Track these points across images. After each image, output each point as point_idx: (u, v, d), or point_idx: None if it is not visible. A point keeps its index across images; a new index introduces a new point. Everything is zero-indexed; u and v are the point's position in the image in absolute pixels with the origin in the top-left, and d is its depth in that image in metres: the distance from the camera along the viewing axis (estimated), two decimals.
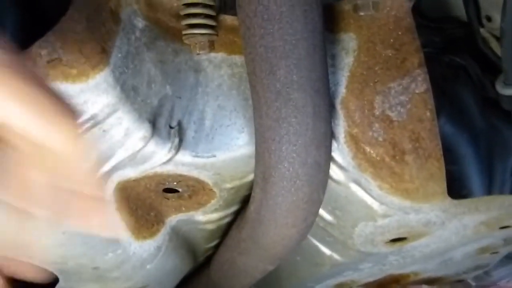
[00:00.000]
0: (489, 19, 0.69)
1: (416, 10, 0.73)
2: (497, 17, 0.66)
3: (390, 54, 0.62)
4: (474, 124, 0.76)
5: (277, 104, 0.51)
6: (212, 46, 0.54)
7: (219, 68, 0.63)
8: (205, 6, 0.53)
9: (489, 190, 0.76)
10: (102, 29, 0.49)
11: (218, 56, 0.63)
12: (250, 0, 0.49)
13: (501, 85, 0.64)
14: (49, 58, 0.44)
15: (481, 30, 0.71)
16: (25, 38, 0.45)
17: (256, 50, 0.51)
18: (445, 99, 0.63)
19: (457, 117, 0.75)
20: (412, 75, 0.61)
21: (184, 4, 0.52)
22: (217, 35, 0.55)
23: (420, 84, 0.60)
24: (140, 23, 0.57)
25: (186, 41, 0.54)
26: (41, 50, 0.43)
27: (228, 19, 0.58)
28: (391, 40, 0.62)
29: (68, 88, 0.47)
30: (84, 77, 0.47)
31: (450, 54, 0.80)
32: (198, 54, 0.53)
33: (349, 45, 0.63)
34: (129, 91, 0.52)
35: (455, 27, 0.81)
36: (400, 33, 0.62)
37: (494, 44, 0.73)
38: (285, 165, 0.55)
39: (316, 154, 0.55)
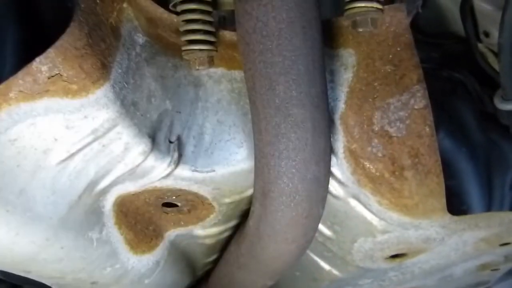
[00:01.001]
0: (487, 34, 0.69)
1: (414, 26, 0.74)
2: (495, 32, 0.67)
3: (389, 70, 0.62)
4: (472, 139, 0.76)
5: (276, 119, 0.52)
6: (211, 62, 0.54)
7: (218, 83, 0.63)
8: (204, 22, 0.53)
9: (488, 204, 0.76)
10: (103, 44, 0.49)
11: (217, 71, 0.63)
12: (249, 16, 0.50)
13: (500, 100, 0.64)
14: (50, 74, 0.44)
15: (479, 45, 0.72)
16: (25, 55, 0.45)
17: (256, 66, 0.51)
18: (443, 114, 0.63)
19: (455, 132, 0.75)
20: (411, 91, 0.61)
21: (184, 21, 0.52)
22: (216, 50, 0.55)
23: (419, 100, 0.61)
24: (140, 38, 0.57)
25: (185, 57, 0.54)
26: (41, 66, 0.43)
27: (228, 35, 0.58)
28: (390, 56, 0.62)
29: (68, 103, 0.47)
30: (85, 93, 0.47)
31: (448, 70, 0.80)
32: (197, 69, 0.54)
33: (348, 61, 0.63)
34: (129, 106, 0.53)
35: (453, 42, 0.82)
36: (399, 49, 0.62)
37: (492, 59, 0.73)
38: (285, 181, 0.55)
39: (315, 169, 0.55)
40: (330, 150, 0.59)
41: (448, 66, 0.81)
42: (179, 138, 0.59)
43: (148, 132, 0.55)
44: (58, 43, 0.44)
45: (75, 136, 0.49)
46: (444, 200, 0.61)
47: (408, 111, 0.61)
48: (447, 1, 0.75)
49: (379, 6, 0.52)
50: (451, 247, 0.72)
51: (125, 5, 0.55)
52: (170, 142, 0.58)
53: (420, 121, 0.61)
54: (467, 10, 0.68)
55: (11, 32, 0.50)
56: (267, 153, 0.54)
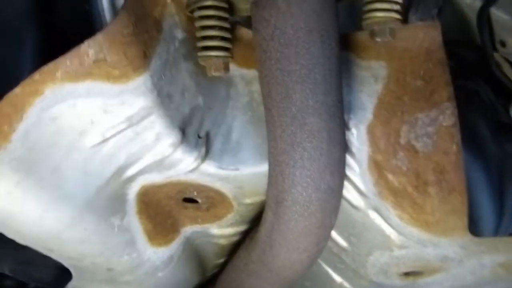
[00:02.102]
0: (503, 44, 0.69)
1: None
2: (511, 42, 0.67)
3: (420, 85, 0.62)
4: (486, 150, 0.76)
5: (292, 128, 0.52)
6: (227, 68, 0.55)
7: (250, 84, 0.64)
8: (220, 28, 0.54)
9: (500, 216, 0.74)
10: (146, 35, 0.51)
11: (250, 72, 0.64)
12: (267, 23, 0.50)
13: None
14: (96, 57, 0.46)
15: (495, 54, 0.71)
16: (43, 56, 0.47)
17: (272, 73, 0.52)
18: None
19: (470, 143, 0.75)
20: (440, 107, 0.61)
21: (200, 26, 0.54)
22: (232, 57, 0.56)
23: (448, 117, 0.61)
24: (180, 34, 0.59)
25: (201, 62, 0.55)
26: (89, 50, 0.45)
27: None
28: (422, 72, 0.63)
29: (109, 88, 0.49)
30: (125, 79, 0.49)
31: (463, 79, 0.80)
32: (213, 75, 0.55)
33: (379, 72, 0.64)
34: (164, 97, 0.54)
35: (468, 50, 0.81)
36: (431, 65, 0.63)
37: (507, 69, 0.73)
38: (299, 190, 0.55)
39: (330, 179, 0.55)
40: (344, 160, 0.59)
41: (463, 75, 0.81)
42: (207, 134, 0.61)
43: (179, 125, 0.57)
44: (107, 29, 0.45)
45: (111, 121, 0.51)
46: (466, 219, 0.61)
47: (436, 127, 0.61)
48: (464, 9, 0.75)
49: (398, 16, 0.53)
50: (468, 270, 0.71)
51: (168, 0, 0.57)
52: (199, 137, 0.60)
53: (448, 138, 0.61)
54: (484, 19, 0.68)
55: (29, 33, 0.52)
56: (282, 161, 0.54)
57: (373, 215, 0.67)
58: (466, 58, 0.79)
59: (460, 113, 0.74)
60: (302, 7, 0.50)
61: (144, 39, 0.51)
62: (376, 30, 0.53)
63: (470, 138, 0.74)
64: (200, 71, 0.61)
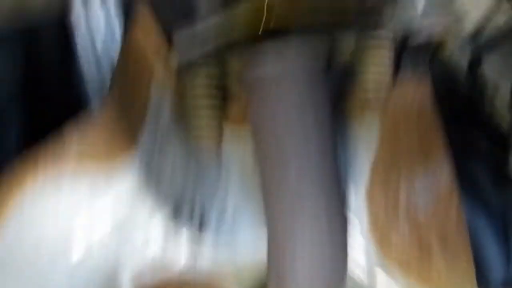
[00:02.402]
0: (494, 96, 0.70)
1: None
2: (502, 93, 0.67)
3: (415, 145, 0.61)
4: (489, 201, 0.74)
5: (289, 203, 0.50)
6: (220, 135, 0.54)
7: (243, 143, 0.62)
8: (213, 96, 0.53)
9: (508, 265, 0.72)
10: (133, 114, 0.49)
11: (242, 130, 0.62)
12: (258, 102, 0.49)
13: None
14: (81, 141, 0.44)
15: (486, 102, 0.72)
16: (30, 138, 0.45)
17: (266, 148, 0.51)
18: (456, 177, 0.62)
19: (471, 195, 0.74)
20: (437, 168, 0.60)
21: (192, 95, 0.52)
22: (225, 123, 0.55)
23: (445, 178, 0.60)
24: (169, 103, 0.57)
25: (193, 133, 0.54)
26: (73, 134, 0.43)
27: None
28: (415, 130, 0.62)
29: (95, 170, 0.46)
30: (112, 160, 0.47)
31: (457, 130, 0.79)
32: (206, 145, 0.53)
33: (373, 133, 0.63)
34: (153, 175, 0.52)
35: (459, 101, 0.82)
36: (424, 123, 0.62)
37: (500, 116, 0.73)
38: (300, 268, 0.52)
39: (333, 253, 0.53)
40: (347, 233, 0.57)
41: (457, 127, 0.81)
42: (202, 209, 0.58)
43: (171, 202, 0.54)
44: (92, 115, 0.44)
45: (98, 206, 0.48)
46: (474, 281, 0.59)
47: (434, 189, 0.60)
48: (452, 65, 0.76)
49: (391, 84, 0.53)
50: None
51: (155, 72, 0.56)
52: (193, 213, 0.57)
53: (447, 200, 0.59)
54: (473, 76, 0.68)
55: (16, 116, 0.50)
56: (280, 239, 0.52)
57: (378, 278, 0.64)
58: (456, 105, 0.79)
59: (457, 164, 0.73)
60: (291, 87, 0.50)
61: (132, 118, 0.49)
62: (370, 98, 0.52)
63: (470, 188, 0.72)
64: (191, 141, 0.59)
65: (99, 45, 0.57)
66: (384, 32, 0.50)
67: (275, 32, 0.46)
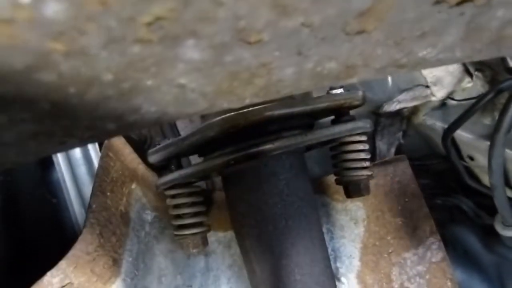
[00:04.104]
0: (471, 158, 0.70)
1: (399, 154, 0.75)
2: (479, 157, 0.68)
3: (401, 222, 0.61)
4: (481, 260, 0.74)
5: None
6: (205, 242, 0.53)
7: (228, 247, 0.62)
8: (194, 204, 0.52)
9: None
10: (113, 238, 0.48)
11: (227, 235, 0.62)
12: (241, 201, 0.49)
13: (501, 227, 0.63)
14: (61, 284, 0.43)
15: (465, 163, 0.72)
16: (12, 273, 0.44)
17: (254, 251, 0.50)
18: (447, 245, 0.62)
19: (463, 260, 0.73)
20: (426, 243, 0.60)
21: (173, 205, 0.52)
22: (209, 229, 0.54)
23: (435, 252, 0.59)
24: (149, 216, 0.57)
25: (178, 241, 0.53)
26: (52, 279, 0.42)
27: None
28: (399, 208, 0.62)
29: None
30: None
31: (441, 196, 0.80)
32: (192, 252, 0.52)
33: (357, 214, 0.63)
34: None
35: (438, 162, 0.82)
36: (407, 199, 0.62)
37: (480, 175, 0.74)
38: None
39: None
40: None
41: (440, 193, 0.81)
42: None
43: None
44: (70, 253, 0.43)
45: None
46: None
47: (426, 265, 0.59)
48: (426, 130, 0.77)
49: (369, 173, 0.53)
50: None
51: (133, 186, 0.55)
52: None
53: (440, 275, 0.59)
54: (449, 142, 0.69)
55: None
56: None
57: None
58: (436, 168, 0.80)
59: (447, 233, 0.73)
60: (273, 182, 0.50)
61: (112, 244, 0.48)
62: (351, 188, 0.52)
63: (462, 255, 0.72)
64: (176, 247, 0.59)
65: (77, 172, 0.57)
66: (359, 123, 0.51)
67: (254, 129, 0.47)
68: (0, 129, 0.22)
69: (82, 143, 0.28)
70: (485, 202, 0.75)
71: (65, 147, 0.28)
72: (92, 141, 0.29)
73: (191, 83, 0.23)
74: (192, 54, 0.21)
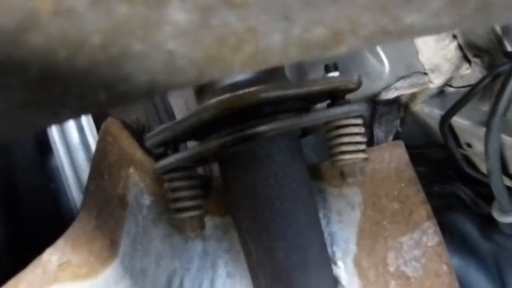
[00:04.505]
0: (469, 145, 0.70)
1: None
2: (476, 144, 0.68)
3: (397, 207, 0.62)
4: (478, 249, 0.74)
5: (278, 287, 0.50)
6: (203, 226, 0.54)
7: (226, 232, 0.62)
8: (191, 187, 0.53)
9: None
10: (111, 220, 0.49)
11: (224, 220, 0.63)
12: (236, 182, 0.50)
13: (498, 213, 0.64)
14: (59, 262, 0.43)
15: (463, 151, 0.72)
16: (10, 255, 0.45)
17: (250, 233, 0.50)
18: (444, 232, 0.62)
19: (460, 247, 0.74)
20: (422, 228, 0.60)
21: (171, 189, 0.53)
22: (206, 213, 0.55)
23: (431, 237, 0.60)
24: (146, 200, 0.57)
25: (175, 225, 0.53)
26: (51, 257, 0.43)
27: None
28: (395, 193, 0.62)
29: (77, 287, 0.46)
30: (94, 274, 0.46)
31: (439, 183, 0.80)
32: (189, 235, 0.53)
33: (354, 199, 0.63)
34: (138, 276, 0.51)
35: (435, 150, 0.83)
36: (403, 184, 0.63)
37: (478, 163, 0.74)
38: None
39: None
40: None
41: (438, 180, 0.81)
42: None
43: None
44: (68, 231, 0.43)
45: None
46: None
47: (422, 249, 0.59)
48: (423, 117, 0.77)
49: (365, 156, 0.53)
50: None
51: (131, 170, 0.56)
52: None
53: (436, 259, 0.59)
54: (446, 127, 0.69)
55: None
56: None
57: None
58: (436, 157, 0.80)
59: (444, 221, 0.74)
60: (268, 165, 0.50)
61: (110, 225, 0.48)
62: (346, 171, 0.53)
63: (460, 243, 0.72)
64: (173, 231, 0.59)
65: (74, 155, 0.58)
66: (354, 106, 0.51)
67: (249, 112, 0.47)
68: None
69: (76, 114, 0.29)
70: (483, 190, 0.76)
71: (59, 118, 0.29)
72: (85, 112, 0.29)
73: (179, 48, 0.23)
74: (177, 16, 0.21)
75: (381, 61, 0.75)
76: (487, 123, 0.58)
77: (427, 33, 0.28)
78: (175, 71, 0.25)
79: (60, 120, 0.29)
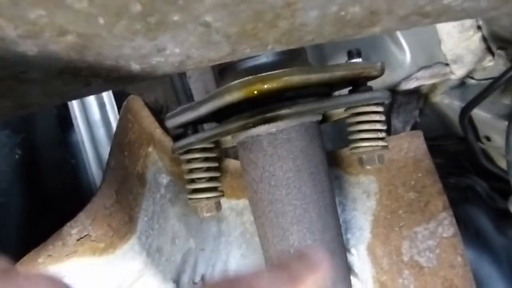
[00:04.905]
0: (488, 139, 0.70)
1: None
2: (496, 137, 0.67)
3: (413, 197, 0.61)
4: (492, 243, 0.74)
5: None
6: (219, 207, 0.54)
7: (241, 215, 0.62)
8: (209, 169, 0.53)
9: None
10: (130, 196, 0.49)
11: (240, 203, 0.63)
12: (255, 165, 0.49)
13: None
14: (79, 236, 0.44)
15: (481, 145, 0.72)
16: (30, 224, 0.45)
17: (266, 215, 0.50)
18: (459, 224, 0.62)
19: (474, 240, 0.73)
20: (438, 218, 0.60)
21: (188, 169, 0.53)
22: (223, 195, 0.55)
23: (447, 228, 0.59)
24: (164, 179, 0.58)
25: (192, 205, 0.54)
26: (71, 230, 0.44)
27: None
28: (412, 182, 0.62)
29: (95, 261, 0.46)
30: (112, 249, 0.47)
31: (455, 176, 0.80)
32: (205, 216, 0.53)
33: (370, 187, 0.63)
34: (154, 253, 0.52)
35: (453, 142, 0.82)
36: (420, 175, 0.62)
37: (496, 157, 0.73)
38: None
39: None
40: None
41: (455, 172, 0.81)
42: (203, 278, 0.58)
43: (172, 277, 0.54)
44: (88, 206, 0.44)
45: None
46: None
47: (436, 239, 0.59)
48: (443, 108, 0.76)
49: (384, 144, 0.53)
50: None
51: (150, 149, 0.56)
52: (194, 283, 0.57)
53: (451, 250, 0.59)
54: (466, 119, 0.68)
55: (15, 204, 0.50)
56: None
57: None
58: (453, 150, 0.80)
59: (459, 212, 0.73)
60: (288, 148, 0.50)
61: (129, 202, 0.49)
62: (365, 158, 0.52)
63: (474, 236, 0.72)
64: (189, 212, 0.60)
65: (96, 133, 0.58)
66: (376, 93, 0.51)
67: (271, 94, 0.47)
68: (29, 63, 0.23)
69: (106, 86, 0.29)
70: (499, 185, 0.75)
71: (90, 89, 0.29)
72: (115, 84, 0.29)
73: (216, 21, 0.23)
74: None
75: (402, 50, 0.74)
76: (509, 117, 0.57)
77: (464, 17, 0.27)
78: (209, 45, 0.25)
79: (90, 91, 0.30)
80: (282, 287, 0.23)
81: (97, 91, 0.28)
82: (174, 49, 0.25)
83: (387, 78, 0.73)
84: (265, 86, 0.45)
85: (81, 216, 0.44)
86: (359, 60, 0.54)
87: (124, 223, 0.47)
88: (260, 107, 0.48)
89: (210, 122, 0.59)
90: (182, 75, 0.73)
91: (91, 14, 0.20)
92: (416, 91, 0.75)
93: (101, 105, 0.60)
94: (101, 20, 0.21)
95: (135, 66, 0.26)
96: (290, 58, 0.52)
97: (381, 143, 0.53)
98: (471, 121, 0.69)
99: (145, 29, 0.22)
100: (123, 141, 0.50)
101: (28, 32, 0.20)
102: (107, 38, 0.21)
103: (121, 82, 0.28)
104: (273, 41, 0.26)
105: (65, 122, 0.59)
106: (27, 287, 0.21)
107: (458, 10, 0.25)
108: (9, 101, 0.27)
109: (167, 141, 0.57)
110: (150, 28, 0.22)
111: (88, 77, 0.27)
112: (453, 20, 0.26)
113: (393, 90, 0.76)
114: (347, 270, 0.54)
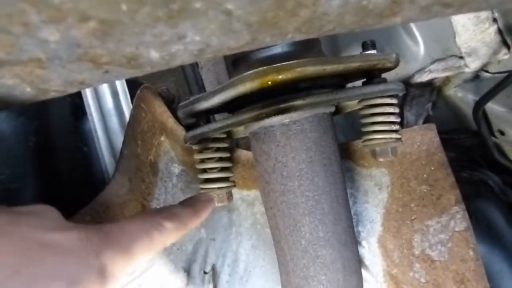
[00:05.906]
0: (502, 132, 0.69)
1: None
2: (510, 131, 0.66)
3: (425, 190, 0.61)
4: (504, 238, 0.74)
5: (304, 261, 0.50)
6: (230, 197, 0.54)
7: (252, 206, 0.63)
8: (221, 159, 0.53)
9: None
10: (143, 185, 0.50)
11: (251, 194, 0.63)
12: (268, 156, 0.49)
13: None
14: (92, 223, 0.44)
15: (494, 139, 0.71)
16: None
17: (278, 206, 0.50)
18: (471, 218, 0.61)
19: (486, 235, 0.73)
20: (450, 212, 0.60)
21: (200, 159, 0.53)
22: (234, 185, 0.55)
23: (459, 222, 0.59)
24: (176, 168, 0.58)
25: None
26: (85, 217, 0.44)
27: None
28: (425, 176, 0.61)
29: None
30: None
31: (468, 170, 0.79)
32: (217, 206, 0.53)
33: (382, 180, 0.63)
34: (164, 252, 0.52)
35: (466, 136, 0.81)
36: (433, 168, 0.62)
37: (509, 151, 0.72)
38: None
39: None
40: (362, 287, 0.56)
41: (467, 166, 0.80)
42: (213, 268, 0.58)
43: (183, 266, 0.54)
44: (102, 194, 0.44)
45: None
46: None
47: (449, 233, 0.59)
48: (456, 102, 0.75)
49: (398, 136, 0.52)
50: None
51: (163, 138, 0.56)
52: (205, 273, 0.57)
53: (463, 244, 0.58)
54: (480, 113, 0.68)
55: (29, 188, 0.51)
56: None
57: None
58: (466, 144, 0.79)
59: (471, 206, 0.73)
60: (301, 139, 0.50)
61: (141, 190, 0.49)
62: (378, 151, 0.52)
63: (486, 230, 0.71)
64: None
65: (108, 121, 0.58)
66: (391, 85, 0.51)
67: (285, 85, 0.47)
68: (50, 48, 0.23)
69: (124, 74, 0.29)
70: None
71: (108, 77, 0.29)
72: (133, 73, 0.29)
73: (238, 9, 0.23)
74: None
75: (416, 42, 0.73)
76: None
77: (486, 7, 0.27)
78: (229, 33, 0.25)
79: (108, 79, 0.30)
80: None
81: (114, 79, 0.28)
82: (194, 37, 0.24)
83: (401, 71, 0.72)
84: (280, 77, 0.45)
85: (94, 203, 0.44)
86: (373, 51, 0.53)
87: (137, 211, 0.47)
88: (274, 98, 0.48)
89: (221, 113, 0.59)
90: (194, 66, 0.73)
91: (115, 0, 0.20)
92: (429, 84, 0.74)
93: (114, 94, 0.60)
94: (123, 6, 0.21)
95: (154, 54, 0.26)
96: (304, 48, 0.51)
97: (394, 135, 0.52)
98: (484, 114, 0.69)
99: (167, 16, 0.22)
100: (136, 130, 0.51)
101: (51, 17, 0.20)
102: (129, 25, 0.21)
103: (139, 70, 0.28)
104: (293, 30, 0.26)
105: (79, 110, 0.59)
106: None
107: (481, 1, 0.25)
108: (29, 87, 0.27)
109: (180, 130, 0.57)
110: (172, 15, 0.22)
111: (107, 64, 0.27)
112: (475, 10, 0.26)
113: (406, 83, 0.75)
114: (358, 262, 0.54)
